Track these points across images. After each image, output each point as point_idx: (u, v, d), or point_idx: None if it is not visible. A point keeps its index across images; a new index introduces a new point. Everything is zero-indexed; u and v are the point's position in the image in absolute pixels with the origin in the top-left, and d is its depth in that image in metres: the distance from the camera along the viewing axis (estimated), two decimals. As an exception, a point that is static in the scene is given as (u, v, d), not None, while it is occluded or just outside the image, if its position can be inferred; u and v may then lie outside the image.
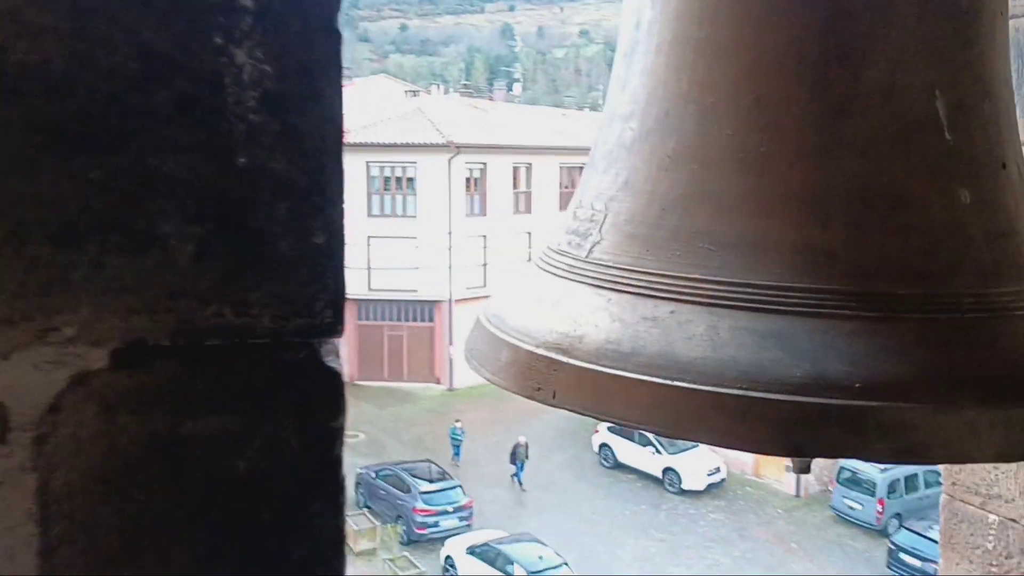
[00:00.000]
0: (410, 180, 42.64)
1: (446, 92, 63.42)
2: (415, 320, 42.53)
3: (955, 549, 3.03)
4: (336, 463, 0.92)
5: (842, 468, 32.10)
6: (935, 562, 3.31)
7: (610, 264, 1.64)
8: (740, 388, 1.39)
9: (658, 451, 33.35)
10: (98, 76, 0.80)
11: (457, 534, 30.59)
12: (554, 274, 1.75)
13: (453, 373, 40.22)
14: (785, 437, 1.38)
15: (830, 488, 33.02)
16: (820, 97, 1.55)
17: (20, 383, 0.78)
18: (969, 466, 3.06)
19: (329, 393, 0.92)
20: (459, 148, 41.75)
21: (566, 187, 46.88)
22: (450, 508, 31.05)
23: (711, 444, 1.55)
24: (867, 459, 1.42)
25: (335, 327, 0.92)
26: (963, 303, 1.48)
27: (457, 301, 41.09)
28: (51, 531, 0.79)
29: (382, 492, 32.01)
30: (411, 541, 30.62)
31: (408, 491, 31.09)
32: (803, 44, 1.55)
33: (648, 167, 1.65)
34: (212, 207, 0.86)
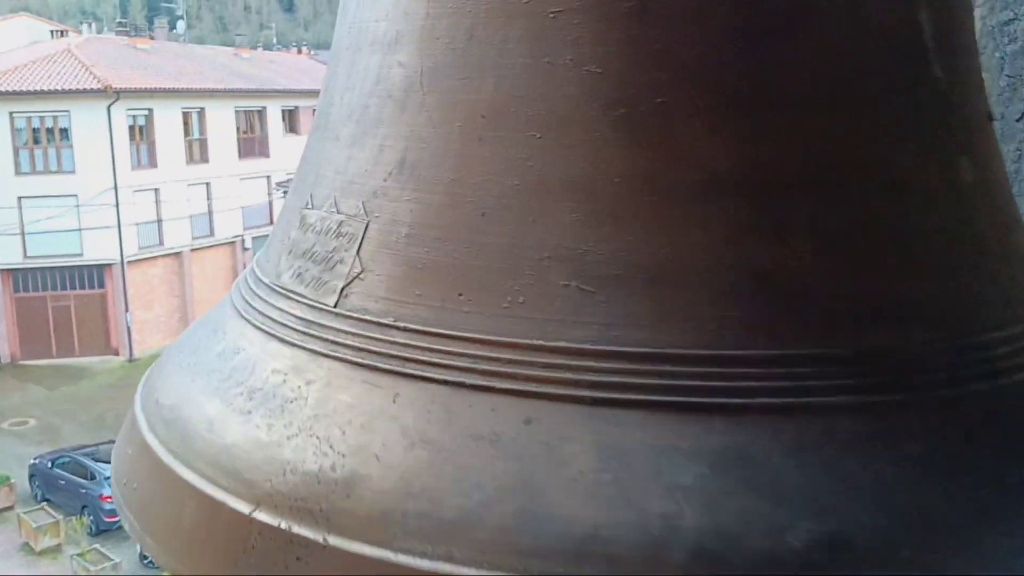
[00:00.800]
0: (64, 131, 37.75)
1: (99, 32, 57.07)
2: (83, 287, 38.36)
3: None
4: None
5: None
6: None
7: (387, 322, 0.87)
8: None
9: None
10: None
11: (154, 516, 28.16)
12: (273, 336, 0.94)
13: (132, 342, 36.93)
14: None
15: None
16: (748, 6, 0.87)
17: None
18: None
19: None
20: (119, 93, 37.53)
21: (245, 132, 44.27)
22: (143, 489, 28.48)
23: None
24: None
25: None
26: (997, 355, 0.87)
27: (130, 263, 37.59)
28: None
29: (62, 482, 28.67)
30: (101, 531, 27.81)
31: (92, 478, 28.07)
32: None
33: (447, 131, 0.89)
34: None
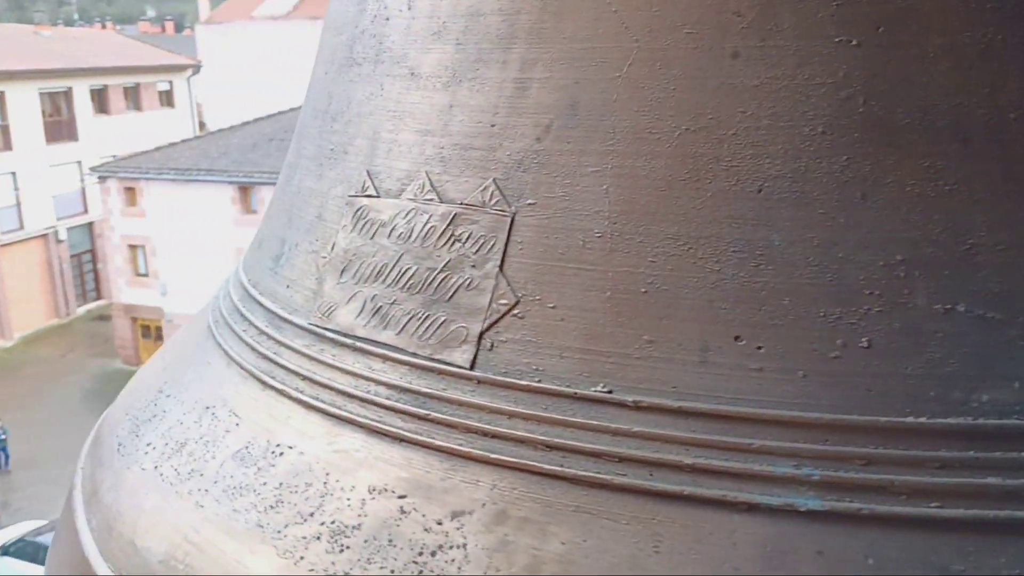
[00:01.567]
0: None
1: None
2: None
3: None
4: None
5: None
6: None
7: (597, 394, 0.47)
8: None
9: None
10: None
11: (-22, 537, 26.02)
12: (352, 423, 0.53)
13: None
14: None
15: None
16: None
17: None
18: None
19: None
20: (-101, 78, 33.76)
21: (51, 115, 41.03)
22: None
23: None
24: None
25: None
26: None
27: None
28: None
29: None
30: (-81, 561, 25.35)
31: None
32: None
33: (664, 42, 0.50)
34: None
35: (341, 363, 0.57)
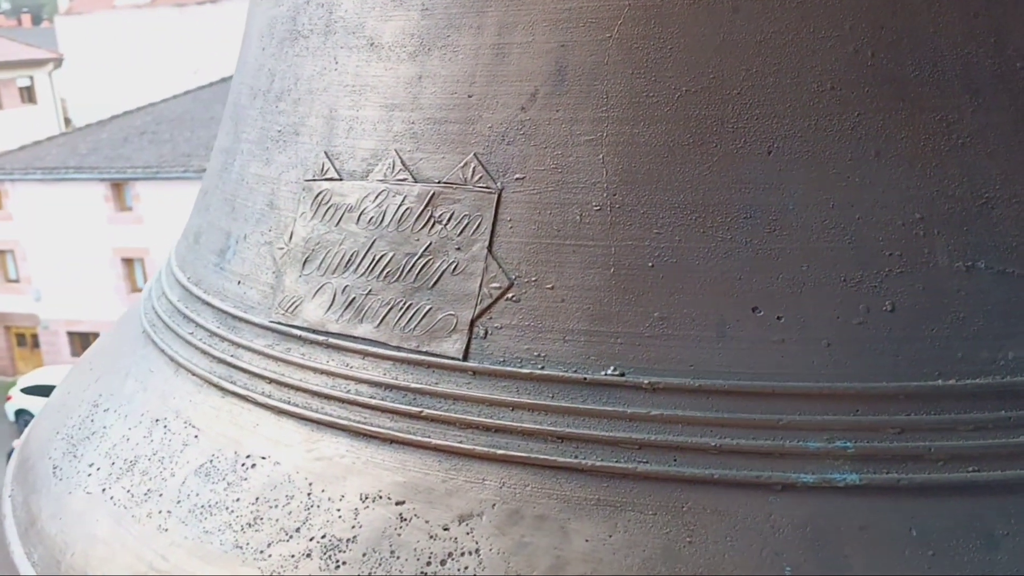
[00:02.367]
0: None
1: None
2: None
3: None
4: None
5: None
6: None
7: (608, 377, 0.44)
8: None
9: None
10: None
11: None
12: (334, 426, 0.48)
13: None
14: None
15: None
16: None
17: None
18: None
19: None
20: None
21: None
22: None
23: None
24: None
25: None
26: None
27: None
28: None
29: None
30: None
31: None
32: None
33: None
34: None
35: (313, 362, 0.52)
